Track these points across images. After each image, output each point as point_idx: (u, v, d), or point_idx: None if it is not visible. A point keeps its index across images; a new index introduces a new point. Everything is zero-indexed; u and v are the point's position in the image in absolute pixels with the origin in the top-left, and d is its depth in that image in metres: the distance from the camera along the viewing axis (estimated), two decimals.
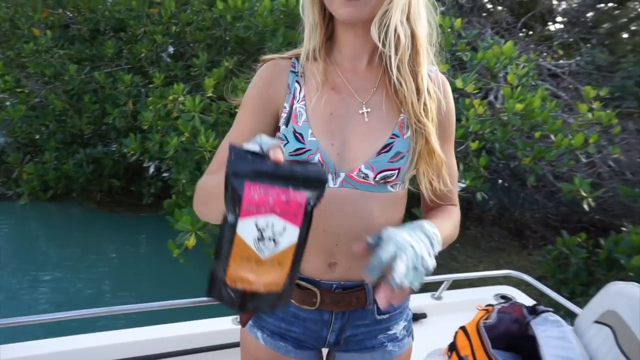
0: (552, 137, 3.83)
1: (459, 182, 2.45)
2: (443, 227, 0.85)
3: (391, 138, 0.88)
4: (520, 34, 7.01)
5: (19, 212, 5.44)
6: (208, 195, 0.83)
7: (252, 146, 0.64)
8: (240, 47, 4.71)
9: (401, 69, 0.85)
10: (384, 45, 0.84)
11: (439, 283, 2.03)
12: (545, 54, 6.57)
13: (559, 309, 1.60)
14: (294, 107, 0.90)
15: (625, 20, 8.47)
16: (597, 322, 1.19)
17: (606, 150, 4.68)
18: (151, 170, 5.55)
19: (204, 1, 4.71)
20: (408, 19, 0.84)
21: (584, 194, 3.56)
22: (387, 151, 0.87)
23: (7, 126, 5.39)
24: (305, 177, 0.63)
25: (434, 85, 0.91)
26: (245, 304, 0.68)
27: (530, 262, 5.10)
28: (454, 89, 3.23)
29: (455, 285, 2.05)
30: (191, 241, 2.73)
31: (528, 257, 5.30)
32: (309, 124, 0.88)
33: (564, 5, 8.10)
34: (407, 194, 0.97)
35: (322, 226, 0.85)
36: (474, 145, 3.59)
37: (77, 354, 1.56)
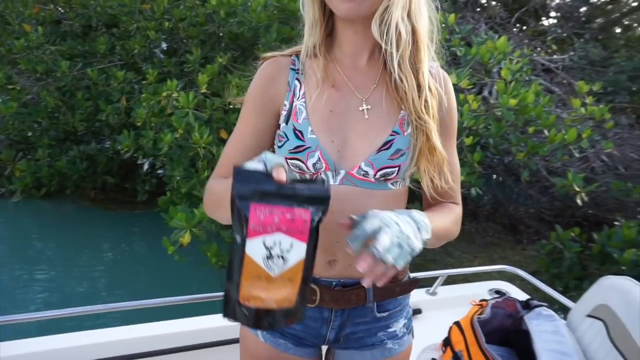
0: (546, 132, 3.85)
1: None
2: (436, 219, 0.85)
3: (391, 135, 0.88)
4: (514, 29, 7.03)
5: (11, 210, 5.40)
6: (217, 202, 0.86)
7: (256, 165, 0.66)
8: (234, 43, 4.69)
9: (402, 66, 0.85)
10: (384, 42, 0.83)
11: (434, 279, 2.03)
12: (538, 49, 6.58)
13: (552, 303, 1.61)
14: (294, 104, 0.90)
15: (618, 15, 8.52)
16: (589, 316, 1.20)
17: (599, 145, 4.71)
18: (145, 167, 5.54)
19: None
20: (409, 15, 0.84)
21: (577, 189, 3.58)
22: (387, 148, 0.87)
23: None
24: (308, 195, 0.65)
25: (435, 82, 0.90)
26: (260, 322, 0.69)
27: (524, 257, 5.13)
28: None
29: (450, 280, 2.05)
30: (186, 238, 2.72)
31: (522, 251, 5.33)
32: (309, 122, 0.88)
33: (557, 0, 8.12)
34: (408, 192, 0.97)
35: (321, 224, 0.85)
36: (468, 141, 3.60)
37: (72, 351, 1.55)
